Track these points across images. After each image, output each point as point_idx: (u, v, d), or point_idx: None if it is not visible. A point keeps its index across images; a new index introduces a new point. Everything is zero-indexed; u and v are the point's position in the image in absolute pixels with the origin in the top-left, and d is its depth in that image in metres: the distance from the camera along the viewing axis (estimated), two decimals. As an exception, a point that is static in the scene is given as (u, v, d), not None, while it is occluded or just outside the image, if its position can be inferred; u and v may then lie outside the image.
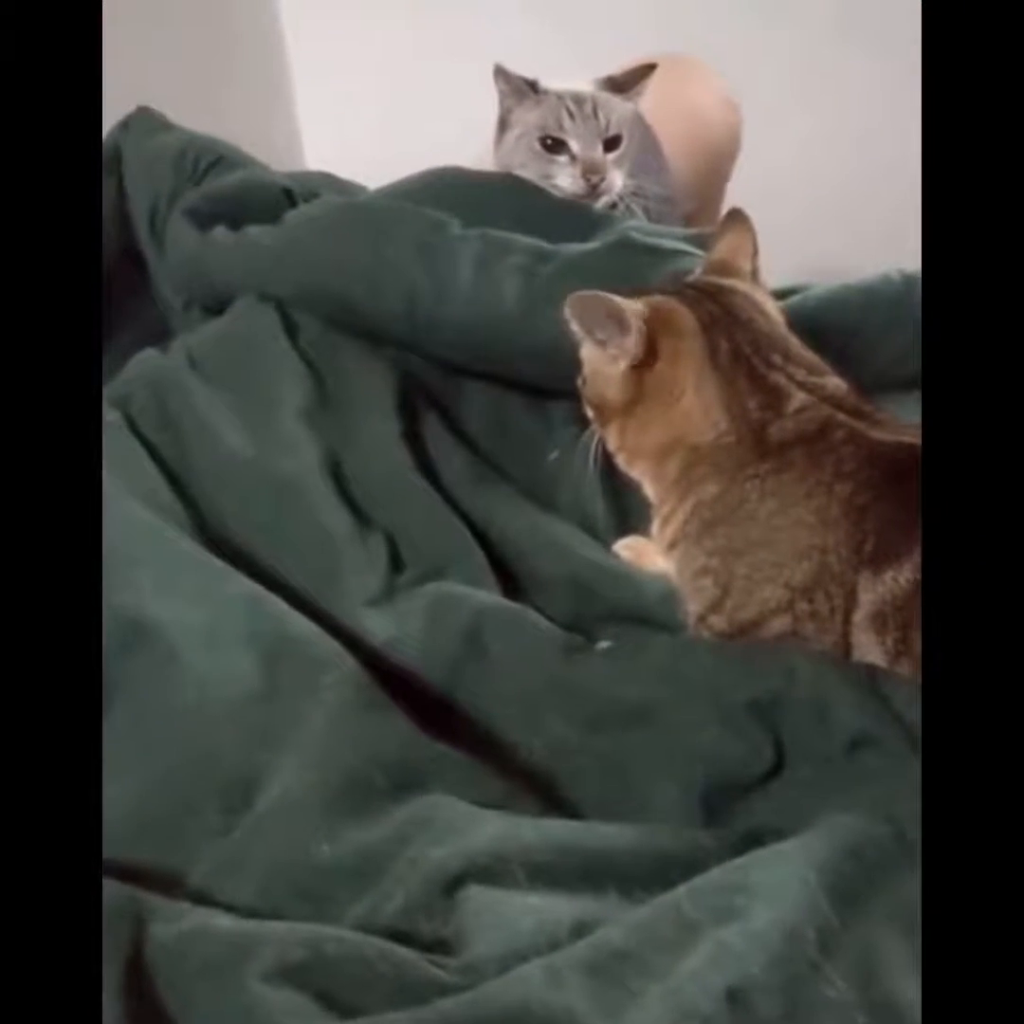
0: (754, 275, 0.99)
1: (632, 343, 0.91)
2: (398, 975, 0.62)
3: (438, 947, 0.66)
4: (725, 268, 0.99)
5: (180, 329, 1.30)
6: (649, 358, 0.91)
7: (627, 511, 1.06)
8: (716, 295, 0.94)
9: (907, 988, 0.60)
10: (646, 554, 1.01)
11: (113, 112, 1.45)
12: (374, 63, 2.13)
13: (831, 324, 1.10)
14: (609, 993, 0.59)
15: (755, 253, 1.00)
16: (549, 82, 1.35)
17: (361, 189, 1.40)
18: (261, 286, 1.20)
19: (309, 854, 0.72)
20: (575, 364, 0.98)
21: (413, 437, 1.10)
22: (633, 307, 0.91)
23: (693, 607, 0.91)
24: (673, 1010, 0.58)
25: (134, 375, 1.19)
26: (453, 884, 0.68)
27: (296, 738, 0.79)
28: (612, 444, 0.97)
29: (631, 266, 1.13)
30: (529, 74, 1.35)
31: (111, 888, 0.66)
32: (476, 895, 0.67)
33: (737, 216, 1.02)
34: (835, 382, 0.92)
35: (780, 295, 1.08)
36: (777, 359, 0.91)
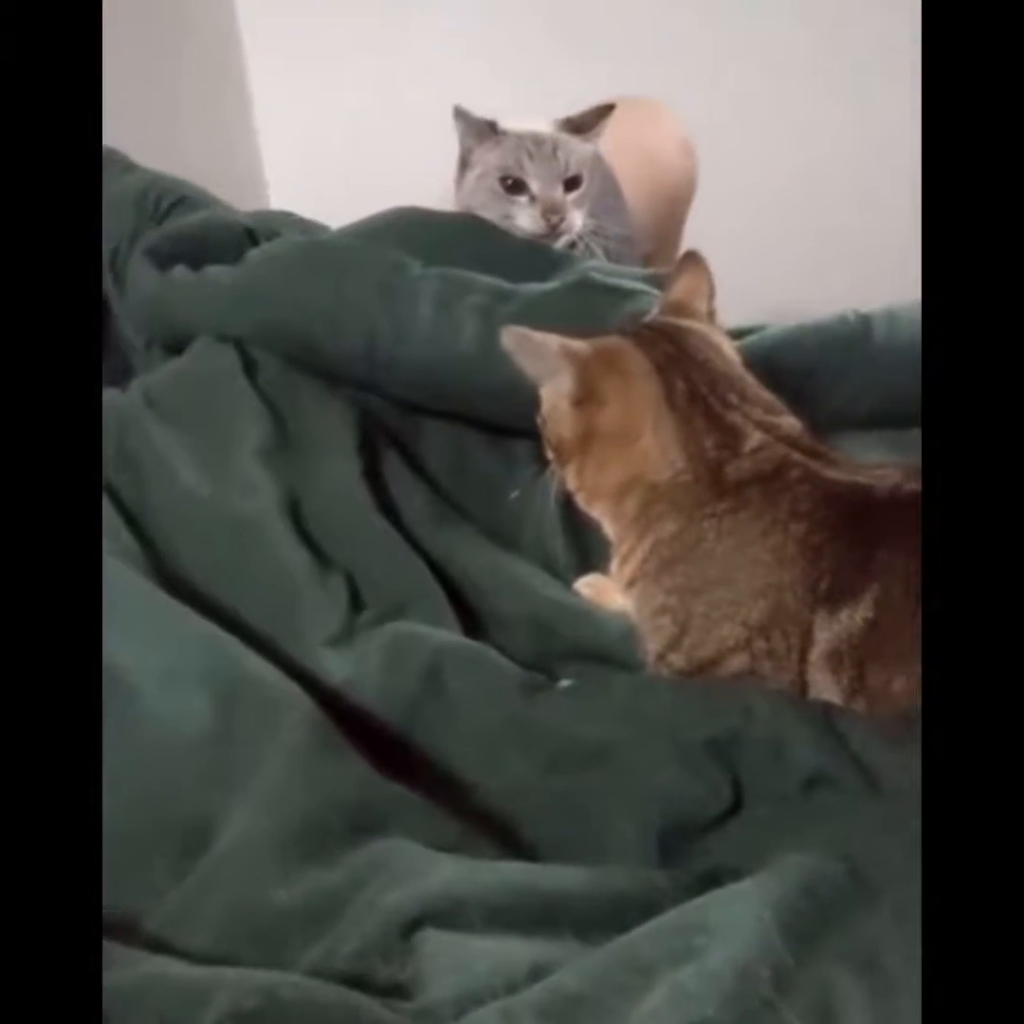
0: (711, 316, 1.00)
1: (566, 382, 0.92)
2: (353, 1020, 0.62)
3: (394, 991, 0.65)
4: (681, 309, 1.00)
5: (141, 369, 1.30)
6: (594, 398, 0.92)
7: (588, 549, 1.07)
8: (673, 336, 0.95)
9: (862, 1026, 0.60)
10: (607, 592, 1.01)
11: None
12: (337, 103, 2.14)
13: (787, 364, 1.11)
14: (565, 1037, 0.59)
15: (711, 294, 1.01)
16: (508, 123, 1.37)
17: (323, 228, 1.41)
18: (221, 325, 1.20)
19: (265, 898, 0.71)
20: (534, 403, 0.99)
21: (373, 476, 1.10)
22: (569, 347, 0.92)
23: (652, 646, 0.91)
24: (629, 1054, 0.57)
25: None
26: (409, 928, 0.67)
27: (252, 780, 0.78)
28: (571, 484, 0.97)
29: (590, 306, 1.14)
30: (488, 115, 1.36)
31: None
32: (432, 938, 0.66)
33: (693, 258, 1.03)
34: (790, 421, 0.93)
35: (737, 335, 1.09)
36: (733, 398, 0.92)
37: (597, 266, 1.26)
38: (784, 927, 0.65)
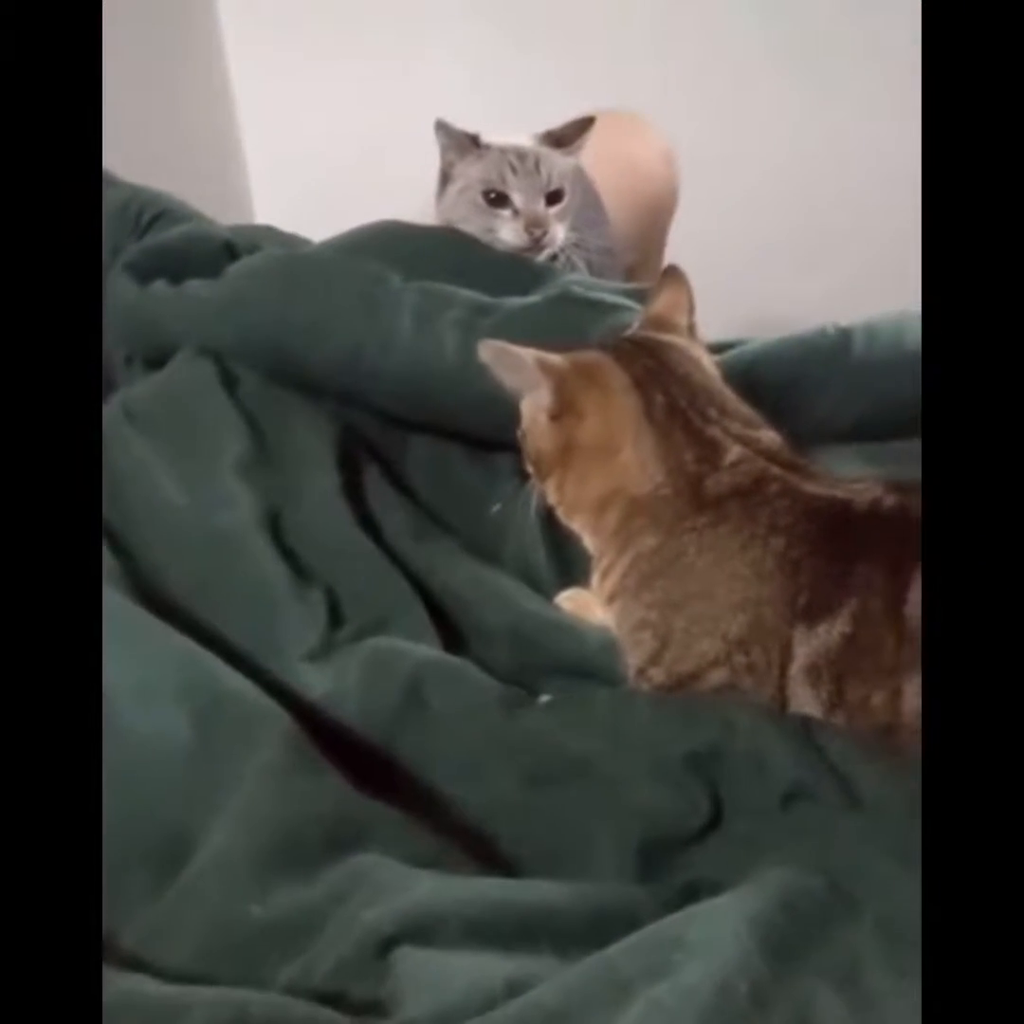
0: (691, 330, 1.00)
1: (544, 395, 0.92)
2: (327, 1038, 0.62)
3: (371, 1008, 0.65)
4: (662, 323, 1.00)
5: (122, 383, 1.29)
6: (572, 412, 0.93)
7: (569, 563, 1.07)
8: (653, 350, 0.95)
9: (842, 1041, 0.60)
10: (588, 606, 1.01)
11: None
12: (322, 117, 2.14)
13: (767, 377, 1.12)
14: (542, 1054, 0.59)
15: (692, 309, 1.01)
16: (490, 136, 1.37)
17: (305, 242, 1.41)
18: (200, 339, 1.20)
19: (242, 915, 0.71)
20: (515, 416, 0.99)
21: (354, 490, 1.09)
22: (547, 361, 0.92)
23: (632, 660, 0.91)
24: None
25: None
26: (386, 945, 0.67)
27: (229, 797, 0.78)
28: (552, 498, 0.97)
29: (571, 320, 1.15)
30: (470, 128, 1.37)
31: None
32: (409, 955, 0.66)
33: (674, 272, 1.03)
34: (770, 435, 0.93)
35: (718, 349, 1.10)
36: (713, 412, 0.92)
37: (578, 280, 1.26)
38: (763, 942, 0.65)
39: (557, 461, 0.95)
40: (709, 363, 0.98)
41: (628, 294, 1.22)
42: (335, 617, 0.97)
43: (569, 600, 1.04)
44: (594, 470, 0.93)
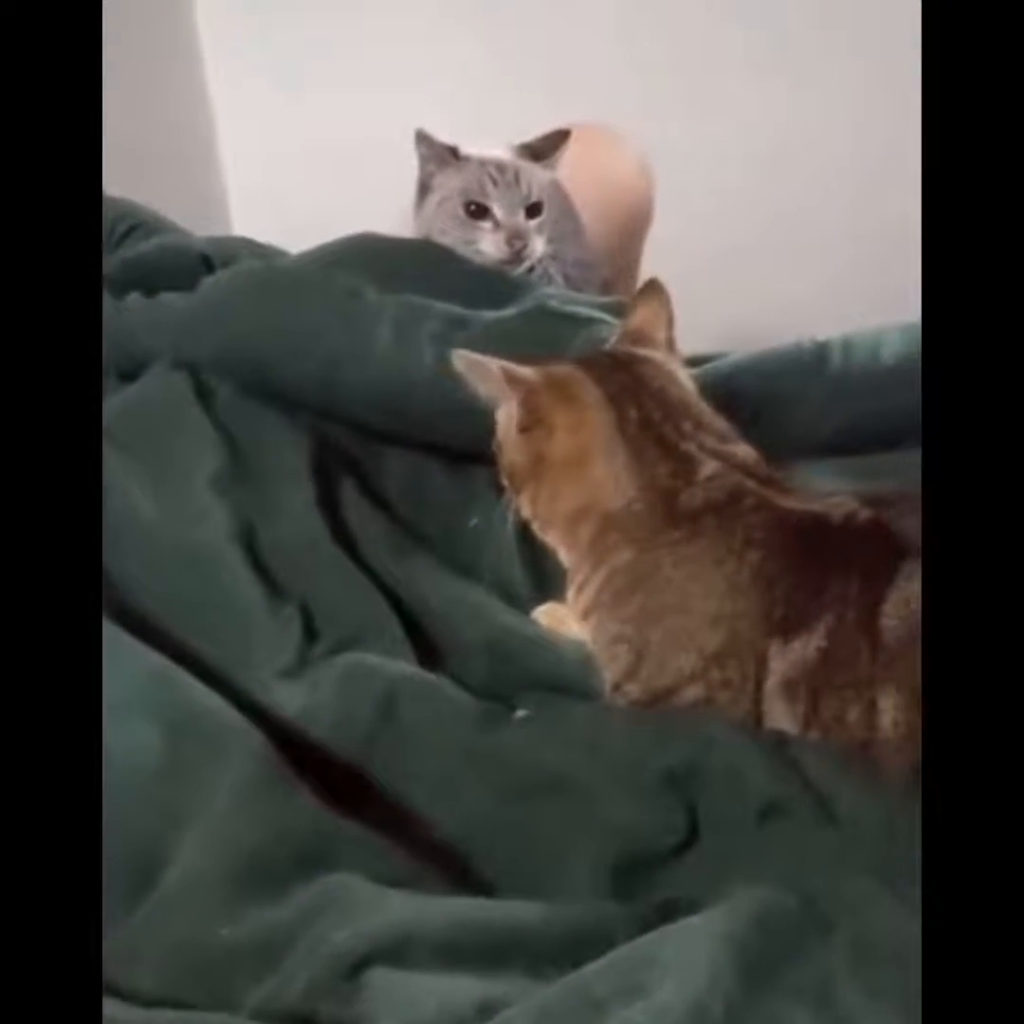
0: (669, 344, 1.00)
1: (512, 408, 0.93)
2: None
3: (341, 1031, 0.65)
4: (640, 337, 1.00)
5: (96, 395, 1.29)
6: (541, 425, 0.93)
7: (547, 577, 1.06)
8: (628, 364, 0.95)
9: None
10: (564, 621, 1.01)
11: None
12: (299, 128, 2.14)
13: (744, 391, 1.12)
14: (513, 1077, 0.58)
15: (671, 322, 1.01)
16: (468, 148, 1.37)
17: (282, 254, 1.40)
18: (175, 351, 1.19)
19: (211, 937, 0.70)
20: (492, 429, 0.98)
21: (330, 504, 1.08)
22: (515, 373, 0.92)
23: (608, 675, 0.90)
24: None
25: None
26: (356, 966, 0.66)
27: (200, 816, 0.77)
28: (526, 511, 0.97)
29: (547, 333, 1.14)
30: (449, 140, 1.37)
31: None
32: (380, 977, 0.65)
33: (653, 286, 1.02)
34: (745, 449, 0.93)
35: (695, 362, 1.10)
36: (688, 427, 0.92)
37: (554, 293, 1.26)
38: (737, 962, 0.64)
39: (530, 474, 0.95)
40: (686, 377, 0.98)
41: (604, 307, 1.22)
42: (309, 632, 0.97)
43: (546, 615, 1.04)
44: (566, 485, 0.93)
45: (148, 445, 1.12)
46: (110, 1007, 0.65)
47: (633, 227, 1.66)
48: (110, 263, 1.32)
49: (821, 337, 1.21)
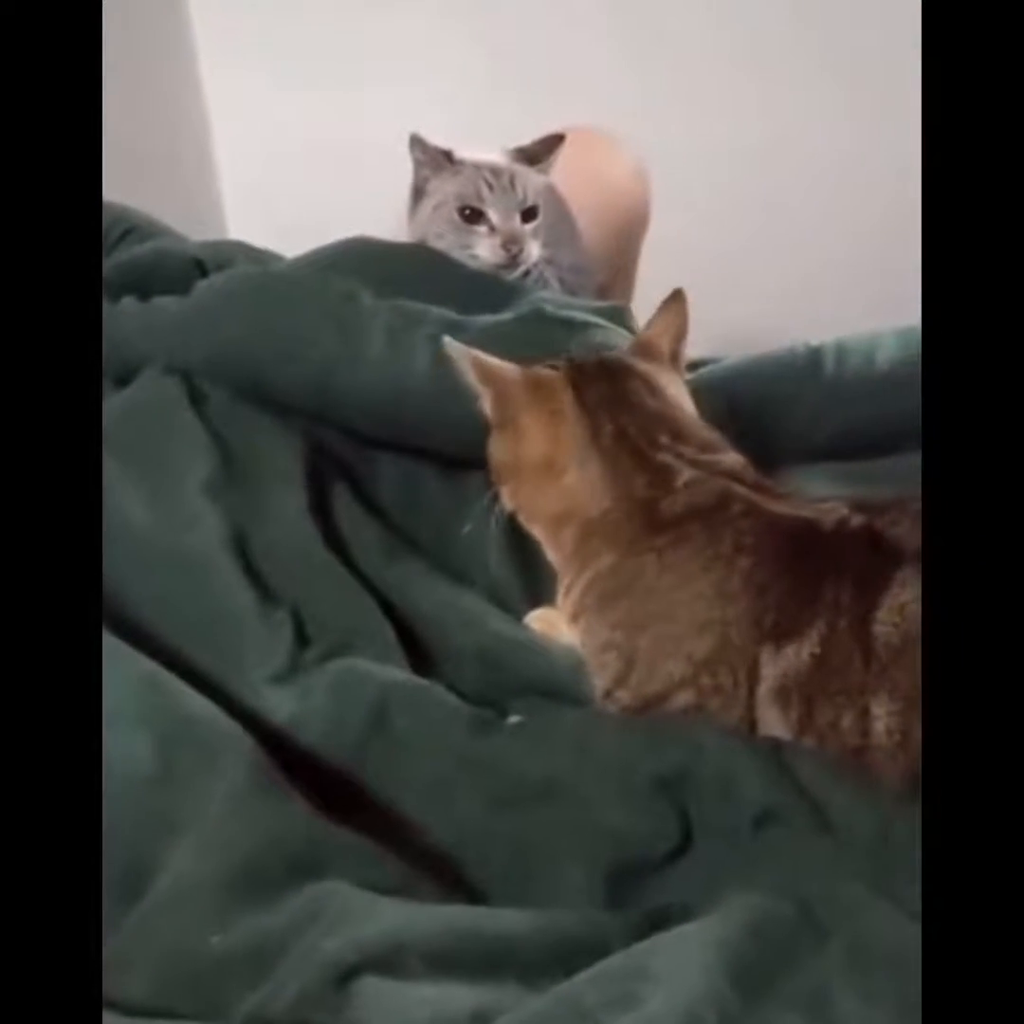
0: (674, 357, 0.99)
1: (485, 404, 0.94)
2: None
3: (332, 1041, 0.64)
4: (647, 348, 0.99)
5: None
6: (512, 426, 0.94)
7: (539, 582, 1.06)
8: (613, 375, 0.95)
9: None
10: (557, 626, 1.01)
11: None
12: (294, 132, 2.14)
13: (738, 396, 1.12)
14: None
15: (681, 335, 1.00)
16: (463, 152, 1.37)
17: (277, 258, 1.39)
18: (168, 356, 1.18)
19: (201, 945, 0.70)
20: (485, 435, 0.98)
21: (323, 510, 1.08)
22: (491, 369, 0.94)
23: (599, 682, 0.90)
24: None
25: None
26: (348, 975, 0.66)
27: (190, 823, 0.77)
28: (507, 501, 0.97)
29: (542, 338, 1.14)
30: (446, 141, 1.36)
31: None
32: (371, 986, 0.65)
33: (673, 297, 1.01)
34: (732, 457, 0.92)
35: (690, 367, 1.09)
36: (664, 439, 0.92)
37: (550, 298, 1.26)
38: (731, 970, 0.64)
39: (510, 472, 0.96)
40: (676, 390, 0.97)
41: (600, 312, 1.21)
42: (301, 638, 0.96)
43: (539, 620, 1.03)
44: (543, 488, 0.94)
45: (140, 450, 1.11)
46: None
47: (629, 231, 1.66)
48: (105, 267, 1.31)
49: (815, 342, 1.21)
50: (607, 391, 0.93)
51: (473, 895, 0.78)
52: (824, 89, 2.22)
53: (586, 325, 1.17)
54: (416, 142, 1.36)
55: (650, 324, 1.03)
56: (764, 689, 0.83)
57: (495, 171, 1.34)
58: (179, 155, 2.22)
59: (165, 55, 2.18)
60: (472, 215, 1.32)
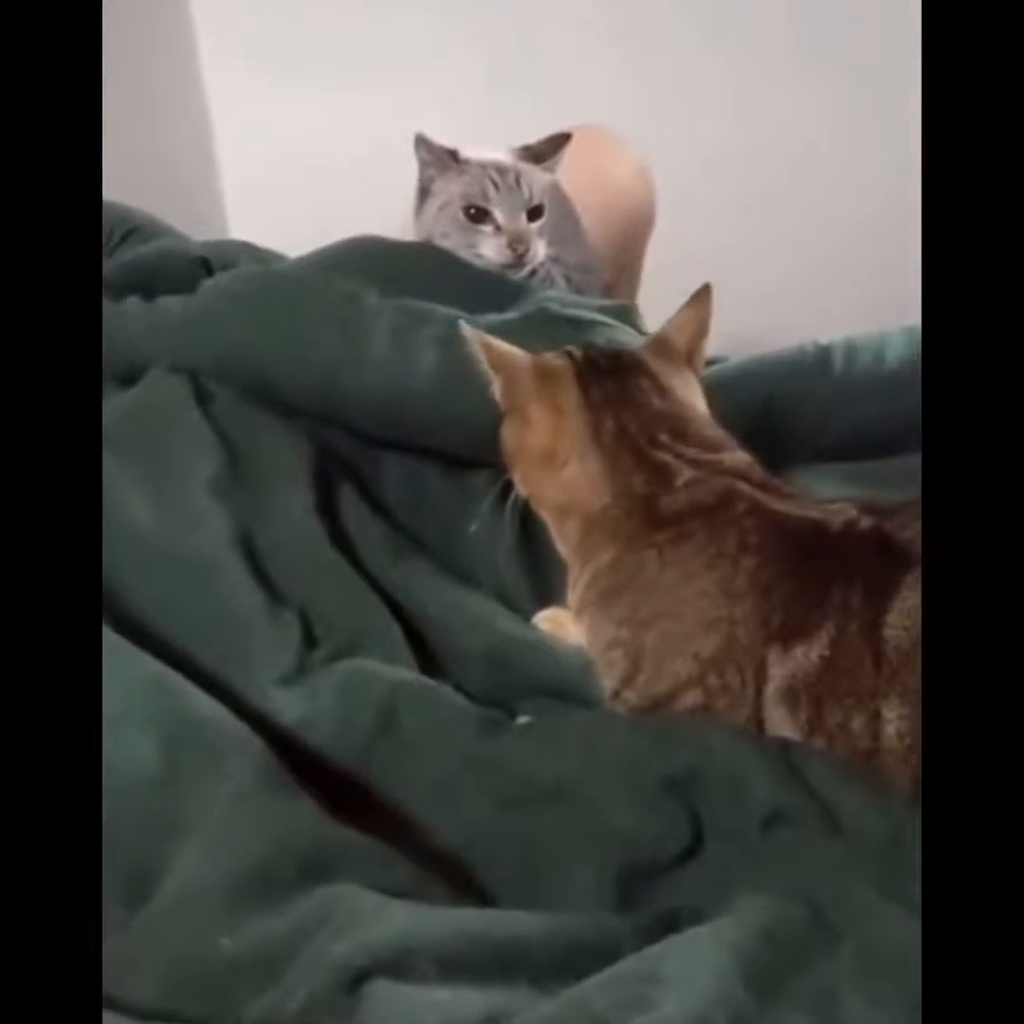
0: (690, 355, 0.98)
1: (495, 389, 0.95)
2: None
3: (342, 1045, 0.64)
4: (663, 345, 0.98)
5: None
6: (520, 414, 0.94)
7: (547, 582, 1.06)
8: (621, 373, 0.94)
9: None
10: (565, 626, 1.00)
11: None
12: (297, 132, 2.13)
13: (748, 395, 1.11)
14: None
15: (700, 333, 0.99)
16: (468, 151, 1.36)
17: (281, 258, 1.39)
18: (173, 355, 1.18)
19: (209, 948, 0.69)
20: (493, 435, 0.98)
21: (329, 509, 1.08)
22: (503, 355, 0.94)
23: (607, 682, 0.90)
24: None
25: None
26: (358, 979, 0.65)
27: (198, 825, 0.76)
28: (520, 486, 0.97)
29: (549, 337, 1.13)
30: (449, 141, 1.36)
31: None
32: (381, 990, 0.64)
33: (698, 294, 1.00)
34: (736, 456, 0.92)
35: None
36: (665, 438, 0.91)
37: (556, 297, 1.26)
38: (743, 973, 0.64)
39: (517, 457, 0.96)
40: (688, 388, 0.96)
41: (606, 310, 1.21)
42: (309, 639, 0.96)
43: (547, 621, 1.03)
44: (546, 478, 0.94)
45: (146, 449, 1.11)
46: (108, 1018, 0.64)
47: (633, 231, 1.65)
48: (108, 267, 1.31)
49: (824, 340, 1.21)
50: (613, 388, 0.93)
51: (483, 897, 0.78)
52: (823, 89, 2.22)
53: (593, 324, 1.17)
54: (421, 142, 1.35)
55: (671, 320, 1.01)
56: (772, 689, 0.82)
57: (500, 170, 1.34)
58: (180, 155, 2.22)
59: (166, 55, 2.17)
60: (478, 215, 1.32)
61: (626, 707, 0.88)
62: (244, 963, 0.69)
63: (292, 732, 0.88)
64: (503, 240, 1.32)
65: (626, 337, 1.14)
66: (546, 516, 0.97)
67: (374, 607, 1.00)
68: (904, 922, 0.68)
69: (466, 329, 0.96)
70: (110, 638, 0.90)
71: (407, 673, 0.93)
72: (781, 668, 0.82)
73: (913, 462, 1.03)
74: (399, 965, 0.66)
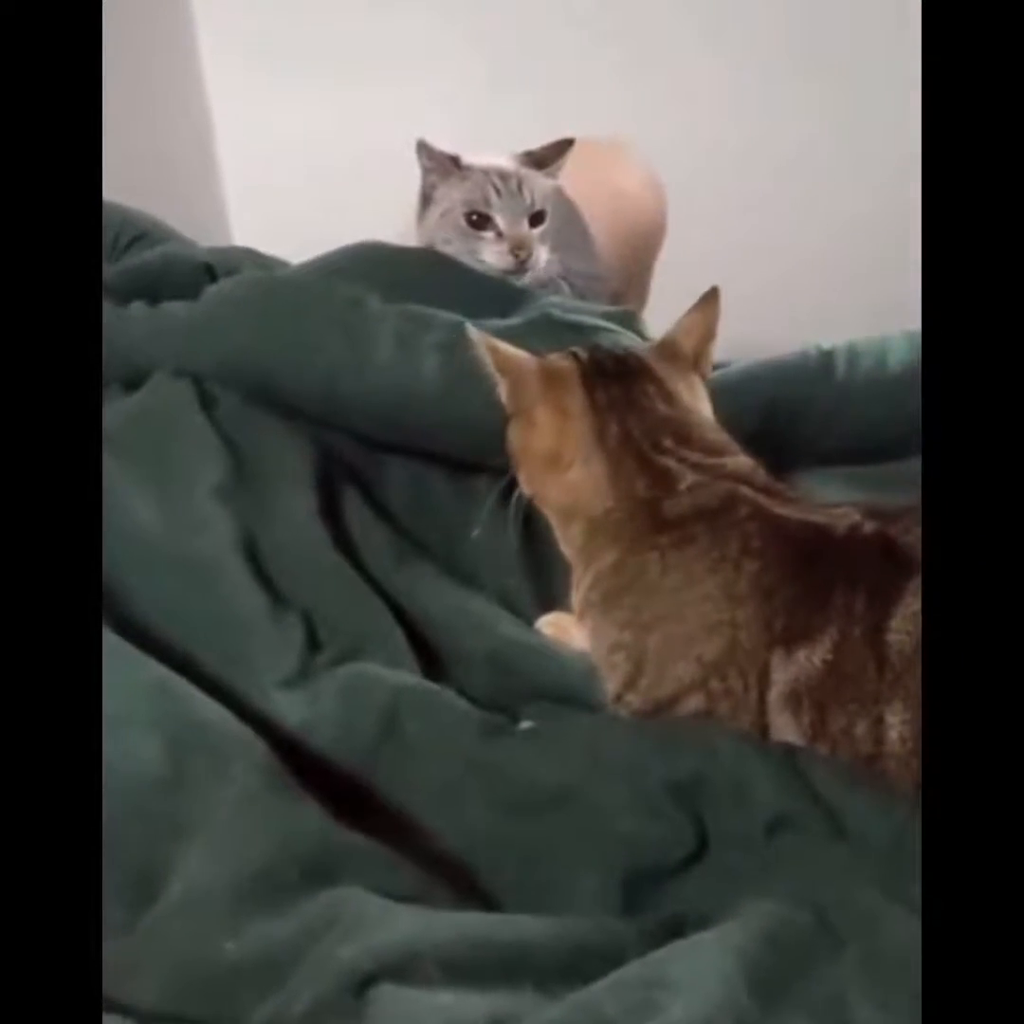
0: (697, 359, 0.98)
1: (501, 392, 0.94)
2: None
3: (347, 1049, 0.64)
4: (669, 349, 0.98)
5: (97, 404, 1.28)
6: (525, 416, 0.94)
7: (550, 587, 1.06)
8: (626, 377, 0.94)
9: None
10: (569, 630, 1.01)
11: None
12: (300, 138, 2.14)
13: (751, 399, 1.11)
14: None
15: (707, 336, 0.98)
16: (470, 157, 1.36)
17: (284, 264, 1.40)
18: (177, 360, 1.18)
19: (214, 952, 0.69)
20: (496, 439, 0.98)
21: (333, 513, 1.08)
22: (509, 358, 0.94)
23: (610, 685, 0.90)
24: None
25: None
26: (363, 983, 0.65)
27: (202, 828, 0.76)
28: (523, 485, 0.97)
29: (551, 342, 1.13)
30: (450, 144, 1.36)
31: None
32: (386, 994, 0.64)
33: (705, 297, 1.00)
34: (740, 460, 0.92)
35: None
36: (668, 443, 0.91)
37: (558, 302, 1.26)
38: (748, 978, 0.64)
39: (522, 459, 0.96)
40: (694, 393, 0.96)
41: (609, 316, 1.21)
42: (312, 642, 0.96)
43: (550, 625, 1.03)
44: (550, 480, 0.94)
45: (150, 453, 1.11)
46: (112, 1022, 0.64)
47: (642, 242, 1.65)
48: (113, 272, 1.31)
49: (827, 344, 1.21)
50: (618, 392, 0.93)
51: (487, 901, 0.78)
52: (822, 90, 2.22)
53: (595, 329, 1.17)
54: (423, 148, 1.36)
55: (679, 323, 1.01)
56: (775, 694, 0.82)
57: (502, 175, 1.34)
58: (181, 155, 2.22)
59: (167, 55, 2.18)
60: (480, 221, 1.33)
61: (629, 710, 0.88)
62: (248, 967, 0.69)
63: (295, 735, 0.88)
64: (505, 246, 1.32)
65: (629, 343, 1.14)
66: (551, 518, 0.97)
67: (377, 611, 1.00)
68: (909, 926, 0.68)
69: (472, 332, 0.96)
70: (114, 641, 0.90)
71: (410, 677, 0.93)
72: (784, 672, 0.82)
73: (916, 466, 1.03)
74: (404, 969, 0.65)
